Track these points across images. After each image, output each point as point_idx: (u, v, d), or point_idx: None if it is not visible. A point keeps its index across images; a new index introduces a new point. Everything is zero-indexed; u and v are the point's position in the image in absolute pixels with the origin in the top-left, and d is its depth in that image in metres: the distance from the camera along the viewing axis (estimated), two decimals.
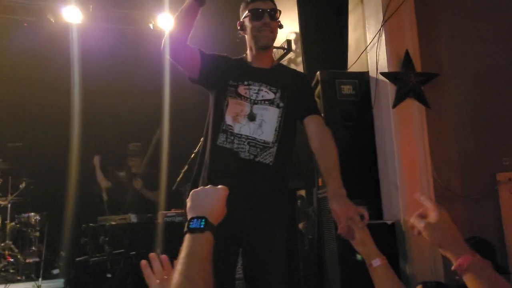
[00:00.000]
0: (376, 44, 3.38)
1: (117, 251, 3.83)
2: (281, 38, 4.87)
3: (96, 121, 6.04)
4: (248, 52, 2.16)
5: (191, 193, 1.18)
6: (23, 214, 4.97)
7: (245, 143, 1.97)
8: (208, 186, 1.21)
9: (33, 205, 5.13)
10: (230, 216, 1.71)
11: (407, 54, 3.26)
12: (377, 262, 1.43)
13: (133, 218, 3.99)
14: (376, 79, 3.34)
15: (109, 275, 3.64)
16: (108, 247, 3.82)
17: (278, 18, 2.05)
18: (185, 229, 1.08)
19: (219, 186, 1.21)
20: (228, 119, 2.01)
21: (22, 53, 5.95)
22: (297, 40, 4.69)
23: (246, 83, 2.05)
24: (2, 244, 4.80)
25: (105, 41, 6.24)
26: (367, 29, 3.57)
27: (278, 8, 2.07)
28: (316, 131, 2.02)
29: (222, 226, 1.19)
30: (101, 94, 6.06)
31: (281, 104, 2.04)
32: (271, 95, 2.05)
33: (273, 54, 2.25)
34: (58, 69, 5.81)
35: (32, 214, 4.91)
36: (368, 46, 3.50)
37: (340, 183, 1.84)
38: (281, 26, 2.09)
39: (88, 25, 5.95)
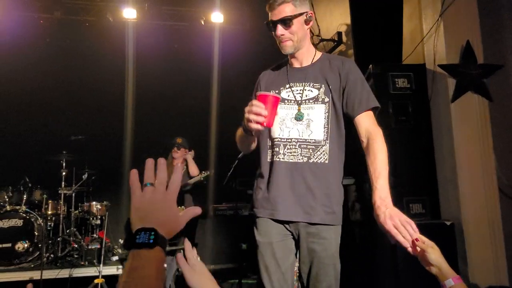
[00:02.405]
0: (434, 34, 3.25)
1: (171, 242, 3.97)
2: (331, 30, 4.78)
3: (149, 115, 6.26)
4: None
5: (135, 198, 0.93)
6: (85, 203, 5.26)
7: (297, 147, 1.96)
8: (151, 190, 0.94)
9: (94, 195, 5.41)
10: (287, 215, 1.94)
11: (468, 44, 3.10)
12: (450, 283, 1.32)
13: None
14: (433, 72, 3.21)
15: (164, 265, 3.79)
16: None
17: (294, 20, 1.93)
18: (129, 244, 0.87)
19: (165, 191, 0.94)
20: (274, 131, 2.00)
21: (83, 52, 6.28)
22: (348, 32, 4.59)
23: (287, 86, 2.04)
24: (67, 231, 5.12)
25: (158, 37, 6.44)
26: (423, 19, 3.43)
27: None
28: (366, 131, 1.90)
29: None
30: (153, 89, 6.26)
31: (327, 99, 1.98)
32: (315, 92, 2.00)
33: (313, 49, 2.11)
34: (114, 65, 6.07)
35: (94, 203, 5.17)
36: (425, 37, 3.36)
37: (386, 192, 1.71)
38: (307, 21, 1.98)
39: (142, 23, 6.16)
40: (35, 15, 5.97)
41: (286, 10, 1.94)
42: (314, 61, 2.06)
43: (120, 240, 5.27)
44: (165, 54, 6.45)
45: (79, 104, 6.12)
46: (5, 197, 4.95)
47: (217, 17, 6.01)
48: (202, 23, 6.23)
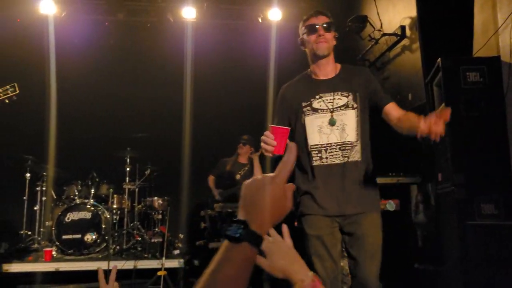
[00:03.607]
0: (510, 25, 3.05)
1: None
2: (393, 24, 4.63)
3: (206, 113, 6.38)
4: (310, 66, 2.43)
5: (243, 185, 0.86)
6: (148, 198, 5.47)
7: (337, 149, 2.26)
8: (263, 177, 0.85)
9: (156, 190, 5.60)
10: (334, 208, 2.23)
11: None
12: None
13: None
14: (510, 65, 3.01)
15: None
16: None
17: (332, 29, 2.31)
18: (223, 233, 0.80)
19: (275, 175, 0.85)
20: (312, 139, 2.29)
21: (145, 52, 6.51)
22: (412, 25, 4.42)
23: (317, 97, 2.31)
24: (131, 224, 5.35)
25: (215, 36, 6.54)
26: (498, 8, 3.22)
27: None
28: (398, 113, 2.24)
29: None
30: (211, 88, 6.37)
31: (355, 105, 2.29)
32: (344, 100, 2.29)
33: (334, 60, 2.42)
34: (174, 65, 6.23)
35: (155, 198, 5.36)
36: (500, 28, 3.17)
37: None
38: (336, 37, 2.35)
39: (201, 22, 6.28)
40: (101, 18, 6.26)
41: (326, 18, 2.32)
42: (337, 72, 2.39)
43: (180, 235, 5.42)
44: (222, 53, 6.53)
45: (142, 102, 6.35)
46: (75, 191, 5.24)
47: (274, 14, 6.01)
48: (260, 21, 6.25)
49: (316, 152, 2.28)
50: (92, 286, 4.59)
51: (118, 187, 5.45)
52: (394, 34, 4.54)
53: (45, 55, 5.79)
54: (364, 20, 4.75)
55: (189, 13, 5.99)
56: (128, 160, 5.47)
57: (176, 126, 6.19)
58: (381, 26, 4.65)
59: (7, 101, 2.18)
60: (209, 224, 4.35)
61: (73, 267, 4.70)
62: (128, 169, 5.47)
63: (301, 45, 2.43)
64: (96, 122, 6.18)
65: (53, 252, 4.83)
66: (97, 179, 5.34)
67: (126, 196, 5.38)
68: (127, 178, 5.45)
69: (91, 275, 4.70)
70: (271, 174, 0.85)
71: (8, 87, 2.19)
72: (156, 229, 5.26)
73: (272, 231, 1.17)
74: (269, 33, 6.16)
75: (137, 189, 5.53)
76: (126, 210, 5.35)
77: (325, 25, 2.28)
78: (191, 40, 6.33)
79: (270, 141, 2.02)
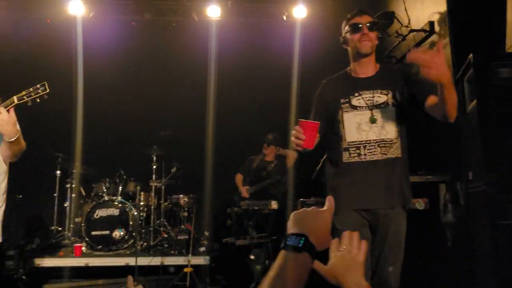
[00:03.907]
0: None
1: (260, 235, 4.05)
2: (422, 20, 4.55)
3: (230, 112, 6.40)
4: (351, 64, 2.46)
5: (292, 214, 1.04)
6: (174, 196, 5.53)
7: (376, 146, 2.31)
8: (312, 208, 1.05)
9: (182, 188, 5.66)
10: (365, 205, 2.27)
11: None
12: None
13: (274, 204, 4.17)
14: None
15: (252, 257, 3.87)
16: (251, 231, 4.06)
17: (375, 29, 2.36)
18: (282, 245, 0.94)
19: (324, 209, 1.05)
20: (350, 135, 2.33)
21: (170, 52, 6.57)
22: (442, 20, 4.33)
23: (357, 94, 2.35)
24: (158, 221, 5.43)
25: (240, 35, 6.54)
26: None
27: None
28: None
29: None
30: (234, 86, 6.39)
31: (395, 103, 2.34)
32: (383, 98, 2.34)
33: (375, 60, 2.47)
34: (198, 64, 6.27)
35: (181, 195, 5.42)
36: None
37: None
38: (379, 37, 2.40)
39: (226, 20, 6.30)
40: (128, 18, 6.35)
41: (370, 17, 2.38)
42: (377, 71, 2.44)
43: (206, 232, 5.47)
44: (246, 51, 6.54)
45: (167, 101, 6.42)
46: (103, 188, 5.35)
47: (299, 11, 5.97)
48: (284, 18, 6.23)
49: (355, 148, 2.32)
50: (120, 282, 4.68)
51: (145, 184, 5.53)
52: (422, 30, 4.46)
53: (74, 55, 5.92)
54: (391, 16, 4.68)
55: (213, 12, 6.02)
56: (154, 158, 5.55)
57: (201, 124, 6.24)
58: (409, 22, 4.57)
59: (38, 100, 2.22)
60: (235, 222, 4.38)
61: (102, 262, 4.81)
62: (154, 167, 5.55)
63: (343, 44, 2.48)
64: (124, 121, 6.28)
65: (83, 248, 4.95)
66: (124, 177, 5.44)
67: (152, 194, 5.46)
68: (154, 176, 5.53)
69: (119, 271, 4.81)
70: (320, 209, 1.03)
71: (38, 86, 2.23)
72: (182, 227, 5.31)
73: (356, 244, 1.20)
74: (294, 30, 6.14)
75: (163, 187, 5.60)
76: (152, 207, 5.43)
77: (369, 24, 2.34)
78: (215, 39, 6.36)
79: (300, 135, 2.06)
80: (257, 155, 5.48)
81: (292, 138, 2.11)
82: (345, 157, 2.35)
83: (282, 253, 0.91)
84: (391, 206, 2.30)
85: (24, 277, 4.38)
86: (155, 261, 4.68)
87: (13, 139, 2.19)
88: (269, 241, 3.94)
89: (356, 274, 1.10)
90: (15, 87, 2.53)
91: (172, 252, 4.87)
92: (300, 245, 0.90)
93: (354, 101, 2.36)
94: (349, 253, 1.15)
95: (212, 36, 6.35)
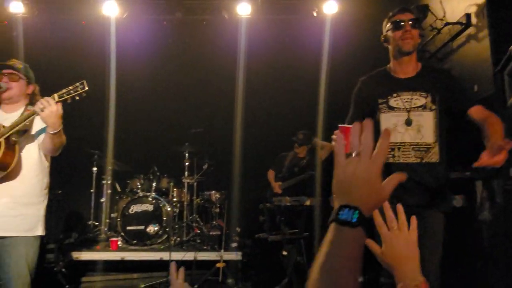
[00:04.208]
0: None
1: (292, 231, 4.06)
2: (457, 12, 4.43)
3: (261, 108, 6.43)
4: (391, 63, 2.41)
5: (338, 169, 0.89)
6: (205, 192, 5.61)
7: (410, 149, 2.27)
8: (363, 161, 0.88)
9: (214, 184, 5.73)
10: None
11: None
12: None
13: (307, 200, 4.17)
14: None
15: (284, 253, 3.89)
16: (283, 226, 4.07)
17: (418, 26, 2.31)
18: (332, 217, 0.84)
19: (372, 158, 0.88)
20: None
21: (200, 50, 6.64)
22: (479, 13, 4.21)
23: (395, 95, 2.31)
24: (190, 217, 5.52)
25: (269, 32, 6.54)
26: None
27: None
28: (482, 114, 2.18)
29: None
30: (263, 83, 6.40)
31: (434, 107, 2.28)
32: (422, 101, 2.29)
33: (416, 60, 2.41)
34: (228, 62, 6.32)
35: (213, 192, 5.49)
36: None
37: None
38: (422, 34, 2.37)
39: (255, 18, 6.31)
40: (160, 17, 6.46)
41: (412, 15, 2.33)
42: (418, 71, 2.38)
43: (237, 228, 5.52)
44: (275, 48, 6.54)
45: (198, 98, 6.51)
46: (138, 184, 5.48)
47: (330, 7, 5.92)
48: (315, 14, 6.19)
49: (390, 150, 2.29)
50: (154, 276, 4.80)
51: (177, 181, 5.63)
52: (458, 23, 4.35)
53: (108, 55, 6.07)
54: (425, 10, 4.58)
55: (244, 9, 6.05)
56: (186, 155, 5.64)
57: (232, 121, 6.30)
58: (444, 15, 4.47)
59: (77, 98, 2.29)
60: (267, 218, 4.41)
61: (137, 256, 4.93)
62: (186, 163, 5.64)
63: (384, 42, 2.45)
64: (156, 119, 6.41)
65: (119, 242, 5.09)
66: (158, 173, 5.55)
67: (185, 190, 5.56)
68: (186, 172, 5.62)
69: (154, 265, 4.92)
70: (366, 159, 0.87)
71: (78, 84, 2.29)
72: (214, 222, 5.38)
73: (403, 221, 1.17)
74: (324, 27, 6.10)
75: (195, 183, 5.69)
76: (185, 203, 5.53)
77: (411, 21, 2.30)
78: (244, 37, 6.39)
79: (340, 140, 2.08)
80: (289, 151, 5.48)
81: (332, 143, 2.08)
82: None
83: (333, 227, 0.83)
84: (427, 207, 2.25)
85: (63, 269, 4.53)
86: (188, 256, 4.76)
87: (56, 131, 2.28)
88: (302, 237, 3.94)
89: (411, 265, 1.09)
90: (53, 86, 2.65)
91: (205, 247, 4.95)
92: (354, 220, 0.82)
93: (392, 102, 2.33)
94: (400, 232, 1.12)
95: (242, 34, 6.38)
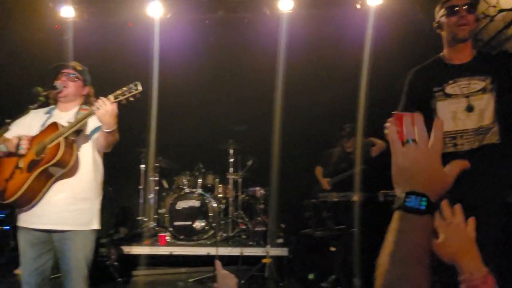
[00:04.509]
0: None
1: (339, 227, 4.02)
2: None
3: (304, 104, 6.38)
4: (445, 50, 2.34)
5: (397, 157, 0.88)
6: (250, 188, 5.65)
7: (473, 135, 2.20)
8: (421, 148, 0.87)
9: (258, 180, 5.76)
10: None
11: None
12: None
13: (355, 196, 4.10)
14: None
15: (333, 249, 3.85)
16: (330, 222, 4.04)
17: (474, 11, 2.21)
18: (397, 204, 0.82)
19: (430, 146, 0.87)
20: (446, 124, 2.20)
21: (242, 48, 6.67)
22: None
23: (451, 82, 2.24)
24: (235, 213, 5.57)
25: (311, 27, 6.46)
26: None
27: None
28: None
29: None
30: (307, 78, 6.35)
31: (493, 89, 2.21)
32: (481, 84, 2.22)
33: (472, 46, 2.33)
34: (270, 58, 6.30)
35: (257, 188, 5.52)
36: None
37: None
38: (478, 19, 2.26)
39: (297, 13, 6.26)
40: (202, 16, 6.55)
41: (468, 1, 2.21)
42: (473, 57, 2.30)
43: (282, 224, 5.52)
44: (317, 43, 6.46)
45: (241, 96, 6.54)
46: (184, 180, 5.59)
47: None
48: (358, 7, 6.06)
49: (450, 138, 2.24)
50: (202, 270, 4.89)
51: (222, 177, 5.71)
52: None
53: (153, 55, 6.22)
54: None
55: (285, 5, 6.02)
56: (231, 152, 5.70)
57: (274, 117, 6.29)
58: (497, 2, 4.25)
59: (131, 99, 2.36)
60: (314, 213, 4.38)
61: (185, 251, 5.04)
62: (231, 160, 5.70)
63: (437, 29, 2.37)
64: (201, 116, 6.51)
65: (167, 237, 5.22)
66: (203, 170, 5.65)
67: (230, 186, 5.62)
68: (231, 169, 5.68)
69: (201, 260, 5.02)
70: (424, 146, 0.86)
71: (131, 85, 2.35)
72: (259, 218, 5.41)
73: (459, 213, 1.14)
74: (367, 20, 5.96)
75: (240, 179, 5.74)
76: (230, 199, 5.59)
77: (466, 6, 2.22)
78: (286, 32, 6.35)
79: (396, 128, 2.04)
80: (335, 147, 5.41)
81: (386, 131, 2.04)
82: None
83: (398, 214, 0.82)
84: (486, 198, 2.16)
85: (115, 263, 4.70)
86: (235, 251, 4.82)
87: (111, 130, 2.36)
88: (349, 233, 3.88)
89: (473, 256, 1.05)
90: (102, 87, 2.75)
91: (251, 243, 4.99)
92: (423, 207, 0.80)
93: (449, 89, 2.26)
94: (458, 227, 1.09)
95: (283, 30, 6.35)
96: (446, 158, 2.22)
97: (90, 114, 2.35)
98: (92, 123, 2.52)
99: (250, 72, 6.55)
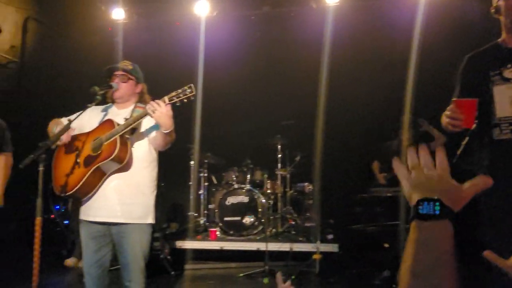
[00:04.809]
0: None
1: (393, 223, 3.91)
2: None
3: (350, 98, 6.25)
4: (504, 35, 2.23)
5: (410, 179, 0.86)
6: (298, 184, 5.61)
7: None
8: (426, 156, 0.87)
9: (306, 176, 5.71)
10: None
11: None
12: None
13: None
14: None
15: (386, 245, 3.75)
16: (382, 218, 3.93)
17: None
18: (412, 214, 0.80)
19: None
20: (502, 110, 2.11)
21: (288, 42, 6.62)
22: None
23: (509, 65, 2.14)
24: (284, 209, 5.56)
25: (358, 18, 6.31)
26: None
27: None
28: None
29: None
30: (352, 71, 6.21)
31: None
32: None
33: None
34: (316, 52, 6.20)
35: (306, 184, 5.49)
36: None
37: None
38: None
39: (344, 5, 6.14)
40: (248, 13, 6.57)
41: None
42: None
43: (331, 220, 5.45)
44: (363, 36, 6.30)
45: (287, 91, 6.50)
46: (233, 176, 5.65)
47: None
48: None
49: (507, 124, 2.12)
50: (251, 266, 4.92)
51: (271, 173, 5.71)
52: None
53: (201, 53, 6.31)
54: None
55: None
56: (279, 147, 5.69)
57: (321, 111, 6.20)
58: None
59: (185, 101, 2.40)
60: (365, 209, 4.28)
61: (235, 246, 5.10)
62: (279, 155, 5.69)
63: (494, 13, 2.26)
64: (248, 113, 6.54)
65: (217, 232, 5.30)
66: (251, 166, 5.68)
67: (279, 182, 5.61)
68: (279, 165, 5.67)
69: (251, 256, 5.05)
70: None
71: (186, 88, 2.39)
72: (308, 214, 5.37)
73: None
74: (416, 9, 5.72)
75: (288, 175, 5.72)
76: (279, 195, 5.58)
77: None
78: (332, 25, 6.24)
79: (457, 115, 1.98)
80: (392, 140, 5.25)
81: (447, 120, 2.02)
82: (496, 133, 2.15)
83: (415, 225, 0.79)
84: None
85: (168, 257, 4.83)
86: (284, 247, 4.81)
87: (168, 131, 2.43)
88: (402, 228, 3.76)
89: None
90: (153, 87, 2.81)
91: (300, 238, 4.96)
92: (437, 211, 0.77)
93: (507, 73, 2.14)
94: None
95: (330, 23, 6.23)
96: (504, 145, 2.10)
97: (145, 114, 2.42)
98: (147, 122, 2.59)
99: (297, 66, 6.49)
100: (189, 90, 2.38)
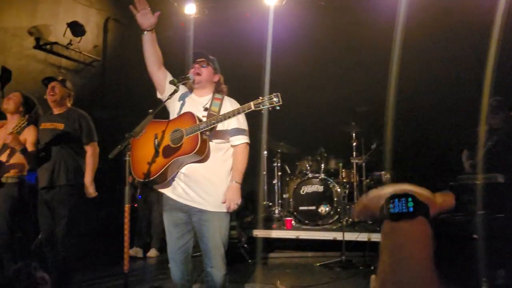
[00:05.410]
0: None
1: (482, 212, 3.62)
2: None
3: (426, 83, 5.93)
4: None
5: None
6: (375, 172, 5.42)
7: None
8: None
9: (383, 164, 5.50)
10: None
11: None
12: None
13: (500, 177, 3.66)
14: None
15: (475, 236, 3.49)
16: (472, 207, 3.67)
17: None
18: (383, 214, 0.66)
19: None
20: None
21: (360, 27, 6.35)
22: None
23: None
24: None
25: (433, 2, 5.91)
26: None
27: None
28: None
29: None
30: (420, 59, 5.91)
31: None
32: None
33: None
34: (388, 35, 5.91)
35: (383, 172, 5.28)
36: None
37: None
38: None
39: None
40: (317, 0, 6.44)
41: None
42: None
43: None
44: (436, 19, 5.89)
45: (360, 77, 6.28)
46: (307, 165, 5.60)
47: None
48: None
49: None
50: (328, 255, 4.86)
51: (346, 161, 5.58)
52: None
53: (270, 41, 6.29)
54: None
55: None
56: (353, 135, 5.53)
57: (395, 98, 5.92)
58: None
59: (270, 109, 2.41)
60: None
61: (311, 236, 5.06)
62: (354, 144, 5.54)
63: None
64: (320, 101, 6.42)
65: (292, 222, 5.29)
66: (325, 154, 5.58)
67: (354, 171, 5.47)
68: (354, 153, 5.52)
69: (327, 245, 4.98)
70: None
71: (273, 96, 2.41)
72: None
73: None
74: None
75: (364, 164, 5.55)
76: (354, 184, 5.44)
77: None
78: (405, 7, 5.90)
79: None
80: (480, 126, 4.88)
81: None
82: None
83: (388, 227, 0.67)
84: None
85: (245, 245, 4.92)
86: (362, 236, 4.69)
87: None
88: (494, 218, 3.47)
89: None
90: (226, 78, 2.84)
91: (378, 228, 4.78)
92: (411, 208, 0.65)
93: None
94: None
95: (402, 5, 5.90)
96: None
97: (223, 120, 2.53)
98: (228, 121, 2.63)
99: (370, 52, 6.25)
100: (276, 99, 2.41)
